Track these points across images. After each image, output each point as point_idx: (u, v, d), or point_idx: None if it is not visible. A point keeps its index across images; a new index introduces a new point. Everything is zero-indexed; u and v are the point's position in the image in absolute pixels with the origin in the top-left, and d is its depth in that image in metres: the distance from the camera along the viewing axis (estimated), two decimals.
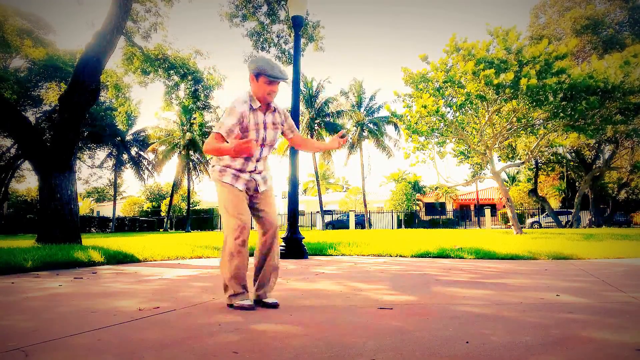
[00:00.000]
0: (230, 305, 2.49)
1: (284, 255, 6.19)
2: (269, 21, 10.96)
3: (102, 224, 35.17)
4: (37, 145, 8.00)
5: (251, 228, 2.49)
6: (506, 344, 1.69)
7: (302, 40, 10.46)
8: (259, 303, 2.56)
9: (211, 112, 15.60)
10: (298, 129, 6.91)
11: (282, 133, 2.70)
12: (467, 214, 38.87)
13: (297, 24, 6.76)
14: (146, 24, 12.04)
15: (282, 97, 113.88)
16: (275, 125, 2.59)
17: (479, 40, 13.70)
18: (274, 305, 2.51)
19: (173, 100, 13.52)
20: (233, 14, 10.96)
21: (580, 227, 25.20)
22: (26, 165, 28.87)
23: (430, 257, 6.10)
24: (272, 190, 2.71)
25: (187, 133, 34.62)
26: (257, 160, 2.58)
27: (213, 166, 2.60)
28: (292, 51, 11.16)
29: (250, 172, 2.56)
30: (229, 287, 2.50)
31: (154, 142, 36.36)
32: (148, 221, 40.43)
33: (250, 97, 2.51)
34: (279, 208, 47.35)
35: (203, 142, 36.53)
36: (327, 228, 32.05)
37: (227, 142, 2.41)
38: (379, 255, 6.39)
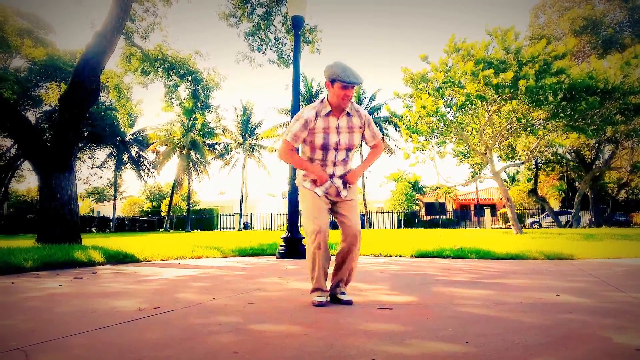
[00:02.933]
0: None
1: (283, 255, 6.19)
2: (266, 23, 10.93)
3: (102, 224, 35.14)
4: (37, 145, 8.00)
5: (335, 228, 2.55)
6: (506, 344, 1.69)
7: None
8: (334, 299, 2.65)
9: (211, 112, 15.60)
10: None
11: (364, 139, 2.71)
12: (467, 214, 38.87)
13: (297, 25, 6.75)
14: (145, 23, 12.04)
15: (283, 97, 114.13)
16: (351, 129, 2.61)
17: (477, 40, 13.72)
18: (348, 302, 2.59)
19: (174, 100, 13.52)
20: (231, 13, 10.94)
21: (580, 227, 25.20)
22: (26, 165, 28.87)
23: (430, 257, 6.10)
24: (356, 195, 2.75)
25: (189, 133, 34.62)
26: (335, 165, 2.63)
27: (303, 181, 2.70)
28: (289, 52, 11.13)
29: (330, 176, 2.63)
30: (312, 284, 2.63)
31: (155, 142, 36.36)
32: (148, 221, 40.41)
33: (322, 104, 2.57)
34: (279, 208, 47.28)
35: (204, 142, 36.59)
36: None
37: (297, 149, 2.66)
38: (378, 255, 6.39)
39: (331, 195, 2.64)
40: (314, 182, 2.62)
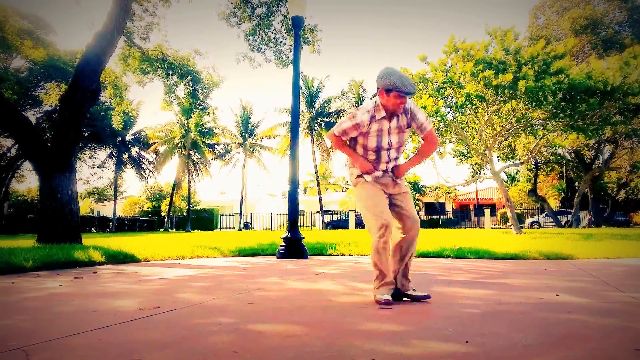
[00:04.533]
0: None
1: (283, 255, 6.19)
2: (266, 22, 10.92)
3: (103, 224, 35.14)
4: (38, 146, 8.00)
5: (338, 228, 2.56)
6: (506, 343, 1.69)
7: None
8: (404, 295, 2.69)
9: (209, 114, 15.61)
10: (298, 129, 6.85)
11: (419, 129, 2.74)
12: (466, 214, 38.86)
13: (297, 25, 6.75)
14: (144, 23, 12.03)
15: (283, 98, 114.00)
16: (401, 129, 2.69)
17: (477, 40, 13.73)
18: (426, 297, 2.62)
19: (173, 100, 13.53)
20: (231, 13, 10.93)
21: (579, 227, 25.21)
22: (27, 165, 28.88)
23: (430, 256, 6.10)
24: (409, 190, 2.85)
25: (189, 134, 34.62)
26: (387, 162, 2.73)
27: (351, 167, 2.80)
28: (289, 52, 11.12)
29: (384, 172, 2.73)
30: (376, 281, 2.65)
31: (155, 143, 36.35)
32: (148, 221, 40.41)
33: (376, 108, 2.62)
34: (279, 208, 47.22)
35: (204, 143, 36.56)
36: (327, 228, 32.04)
37: (347, 143, 2.78)
38: None
39: (386, 187, 2.73)
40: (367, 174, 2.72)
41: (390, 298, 2.55)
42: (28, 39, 23.03)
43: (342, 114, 33.42)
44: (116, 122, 16.74)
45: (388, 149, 2.69)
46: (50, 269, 4.70)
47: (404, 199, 2.74)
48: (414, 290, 2.69)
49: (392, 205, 2.73)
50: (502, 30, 13.26)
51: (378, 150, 2.69)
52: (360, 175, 2.73)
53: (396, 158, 2.76)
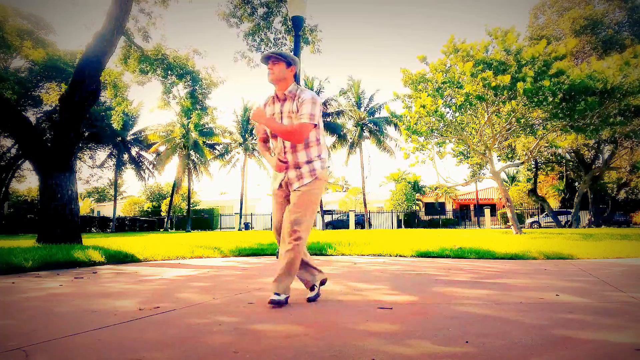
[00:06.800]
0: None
1: None
2: (266, 23, 10.92)
3: (103, 224, 35.13)
4: (38, 145, 8.01)
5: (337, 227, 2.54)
6: (506, 344, 1.69)
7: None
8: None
9: (208, 114, 15.62)
10: None
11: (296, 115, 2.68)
12: (466, 214, 38.86)
13: (297, 25, 6.74)
14: (144, 24, 12.04)
15: None
16: (290, 114, 2.59)
17: (477, 41, 13.73)
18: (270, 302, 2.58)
19: (171, 99, 13.54)
20: (231, 13, 10.93)
21: (579, 227, 25.21)
22: (27, 165, 28.87)
23: (430, 257, 6.10)
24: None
25: (190, 134, 34.61)
26: (284, 153, 2.65)
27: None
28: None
29: (283, 162, 2.67)
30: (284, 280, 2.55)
31: (155, 143, 36.33)
32: (148, 221, 40.39)
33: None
34: None
35: (204, 143, 36.58)
36: (327, 228, 32.04)
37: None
38: (378, 255, 6.39)
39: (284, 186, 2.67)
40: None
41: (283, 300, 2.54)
42: (28, 39, 23.03)
43: (342, 114, 33.42)
44: (116, 122, 16.74)
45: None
46: (50, 269, 4.70)
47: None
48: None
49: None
50: (502, 30, 13.27)
51: (273, 136, 2.66)
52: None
53: (294, 147, 2.59)
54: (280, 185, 2.66)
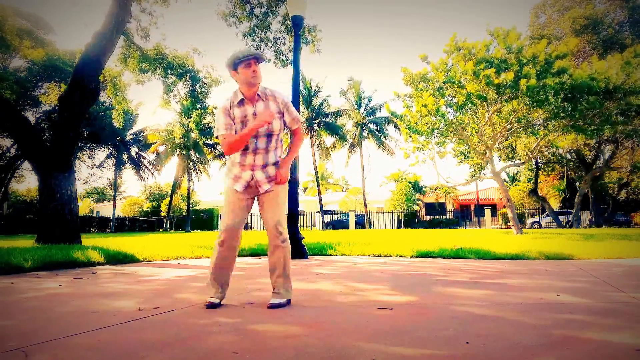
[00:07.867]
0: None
1: None
2: (265, 22, 10.90)
3: (102, 224, 35.14)
4: (37, 145, 8.00)
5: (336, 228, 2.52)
6: (506, 344, 1.69)
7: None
8: None
9: (208, 112, 15.60)
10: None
11: (285, 125, 2.62)
12: (467, 214, 38.86)
13: (297, 24, 6.74)
14: (143, 23, 12.04)
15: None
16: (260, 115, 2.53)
17: (479, 40, 13.73)
18: (271, 306, 2.53)
19: (172, 98, 13.53)
20: (230, 12, 10.91)
21: (580, 227, 25.19)
22: (26, 165, 28.85)
23: (430, 257, 6.10)
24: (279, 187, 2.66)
25: (190, 133, 34.62)
26: (255, 153, 2.55)
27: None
28: (288, 52, 11.10)
29: (251, 166, 2.61)
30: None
31: (155, 143, 36.34)
32: (148, 221, 40.40)
33: (234, 94, 2.55)
34: None
35: (204, 143, 36.56)
36: (327, 228, 32.04)
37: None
38: (379, 256, 6.39)
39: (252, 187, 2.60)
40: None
41: (214, 301, 2.52)
42: (27, 39, 23.01)
43: (342, 114, 33.41)
44: (116, 120, 16.71)
45: (256, 136, 2.51)
46: (50, 269, 4.69)
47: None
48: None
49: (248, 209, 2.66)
50: (504, 30, 13.27)
51: (253, 136, 2.57)
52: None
53: (266, 149, 2.55)
54: (246, 187, 2.58)
